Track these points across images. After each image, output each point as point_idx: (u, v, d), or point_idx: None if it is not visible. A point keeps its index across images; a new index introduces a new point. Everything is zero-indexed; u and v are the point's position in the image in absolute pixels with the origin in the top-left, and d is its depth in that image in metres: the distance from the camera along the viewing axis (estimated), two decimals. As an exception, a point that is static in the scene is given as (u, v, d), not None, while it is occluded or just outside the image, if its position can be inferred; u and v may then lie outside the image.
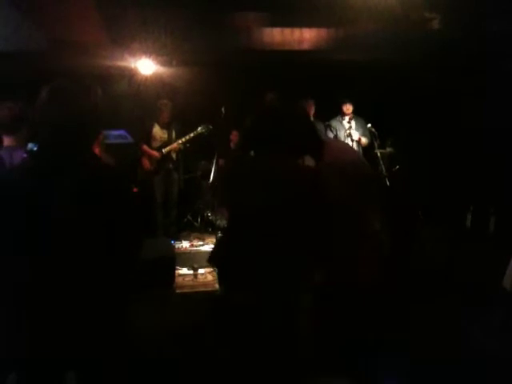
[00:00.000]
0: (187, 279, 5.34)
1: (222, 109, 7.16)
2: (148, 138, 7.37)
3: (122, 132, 7.61)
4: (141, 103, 7.78)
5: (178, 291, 4.72)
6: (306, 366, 2.87)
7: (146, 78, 8.02)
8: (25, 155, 3.28)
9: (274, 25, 6.90)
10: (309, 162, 3.44)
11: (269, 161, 2.71)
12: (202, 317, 3.72)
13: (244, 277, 2.60)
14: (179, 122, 7.55)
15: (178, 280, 5.03)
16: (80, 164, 2.18)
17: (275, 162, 2.71)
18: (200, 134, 7.46)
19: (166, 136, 7.42)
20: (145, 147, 7.33)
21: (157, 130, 7.40)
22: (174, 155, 7.46)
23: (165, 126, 7.42)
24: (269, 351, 2.56)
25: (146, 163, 7.35)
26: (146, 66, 7.79)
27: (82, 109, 2.21)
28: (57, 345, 2.14)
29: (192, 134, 7.41)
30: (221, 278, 2.80)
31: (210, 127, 7.48)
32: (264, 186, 2.64)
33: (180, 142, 7.37)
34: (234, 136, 8.03)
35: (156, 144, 7.37)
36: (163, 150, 7.31)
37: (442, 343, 3.79)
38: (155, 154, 7.32)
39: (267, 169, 2.70)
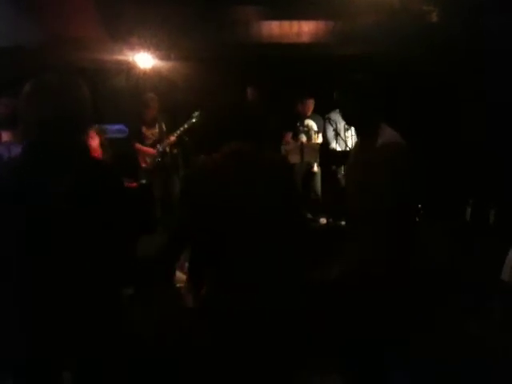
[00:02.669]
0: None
1: (219, 102, 7.02)
2: (140, 135, 7.22)
3: (120, 126, 7.56)
4: (139, 97, 7.67)
5: (177, 285, 4.71)
6: (302, 365, 2.90)
7: (145, 72, 7.95)
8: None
9: (272, 18, 6.89)
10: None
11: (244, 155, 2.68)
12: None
13: (238, 278, 2.60)
14: (165, 115, 7.32)
15: (178, 274, 5.02)
16: (68, 159, 2.16)
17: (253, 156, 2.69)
18: (195, 124, 7.05)
19: (156, 131, 7.23)
20: (138, 146, 7.18)
21: (144, 130, 7.22)
22: (168, 149, 7.24)
23: (152, 123, 7.22)
24: (266, 351, 2.57)
25: (143, 162, 7.22)
26: (144, 60, 7.72)
27: (65, 103, 2.18)
28: (54, 345, 2.14)
29: (186, 125, 7.07)
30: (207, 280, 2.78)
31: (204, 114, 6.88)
32: (249, 182, 2.61)
33: (175, 134, 7.11)
34: None
35: (149, 141, 7.21)
36: (158, 147, 7.16)
37: (442, 341, 3.81)
38: (151, 150, 7.17)
39: (249, 164, 2.67)
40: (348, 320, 2.93)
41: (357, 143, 3.39)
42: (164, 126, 7.26)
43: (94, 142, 4.69)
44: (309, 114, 7.60)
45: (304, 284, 2.75)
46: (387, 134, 3.08)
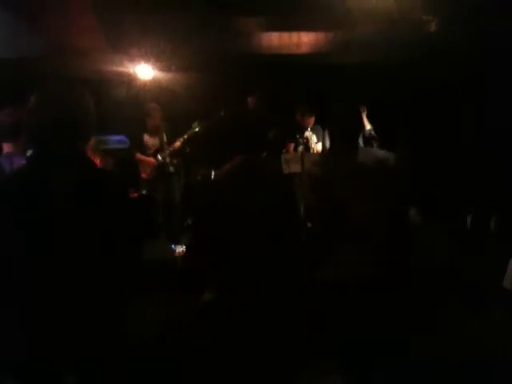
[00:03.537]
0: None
1: (222, 113, 7.04)
2: (141, 145, 7.22)
3: (121, 137, 7.57)
4: (140, 108, 7.68)
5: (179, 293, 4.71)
6: (302, 365, 2.91)
7: (145, 83, 7.98)
8: (25, 161, 3.29)
9: (272, 28, 6.93)
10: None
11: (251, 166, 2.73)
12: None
13: (239, 281, 2.63)
14: (168, 124, 7.34)
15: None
16: (73, 167, 2.19)
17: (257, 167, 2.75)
18: (196, 133, 7.16)
19: (157, 142, 7.23)
20: (139, 156, 7.18)
21: (147, 139, 7.23)
22: (169, 159, 7.26)
23: (154, 133, 7.22)
24: (266, 351, 2.59)
25: (144, 172, 7.21)
26: (144, 71, 7.76)
27: (72, 112, 2.22)
28: (54, 345, 2.15)
29: (186, 136, 7.15)
30: (210, 283, 2.81)
31: (204, 124, 7.12)
32: (251, 189, 2.66)
33: (176, 145, 7.17)
34: None
35: (150, 151, 7.22)
36: (159, 156, 7.19)
37: (442, 341, 3.80)
38: (151, 160, 7.19)
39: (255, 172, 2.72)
40: (348, 320, 2.94)
41: (336, 156, 3.35)
42: (165, 136, 7.27)
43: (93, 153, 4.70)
44: (309, 127, 7.63)
45: (304, 284, 2.77)
46: (377, 151, 3.18)
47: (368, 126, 7.54)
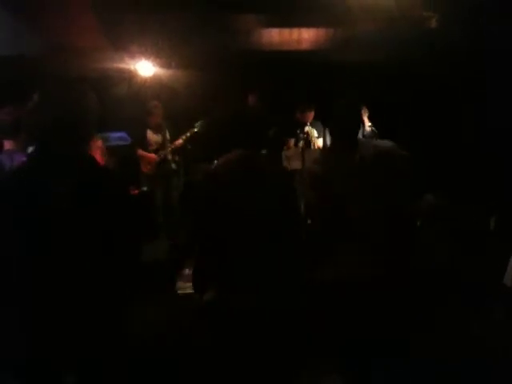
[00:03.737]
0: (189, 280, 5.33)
1: (222, 109, 7.01)
2: (143, 142, 7.26)
3: (122, 134, 7.57)
4: (141, 105, 7.69)
5: (179, 292, 4.72)
6: (302, 365, 2.91)
7: (146, 80, 7.99)
8: (25, 159, 3.29)
9: (272, 26, 6.93)
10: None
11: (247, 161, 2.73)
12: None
13: (239, 281, 2.63)
14: (170, 122, 7.39)
15: (180, 281, 5.03)
16: (74, 166, 2.19)
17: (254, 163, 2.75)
18: (197, 133, 7.19)
19: (160, 139, 7.29)
20: (141, 152, 7.23)
21: (150, 135, 7.29)
22: (170, 156, 7.31)
23: (157, 130, 7.29)
24: (266, 351, 2.59)
25: (145, 168, 7.26)
26: (145, 68, 7.77)
27: (73, 111, 2.22)
28: (54, 345, 2.15)
29: (189, 134, 7.18)
30: (210, 283, 2.80)
31: (205, 124, 7.18)
32: (252, 187, 2.66)
33: (178, 142, 7.21)
34: None
35: (152, 148, 7.27)
36: (160, 153, 7.23)
37: (442, 341, 3.81)
38: (153, 156, 7.22)
39: (251, 170, 2.72)
40: (348, 320, 2.94)
41: (336, 155, 3.34)
42: (168, 134, 7.31)
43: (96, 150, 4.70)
44: (308, 122, 7.62)
45: (304, 284, 2.78)
46: (378, 142, 3.16)
47: (368, 123, 7.55)
